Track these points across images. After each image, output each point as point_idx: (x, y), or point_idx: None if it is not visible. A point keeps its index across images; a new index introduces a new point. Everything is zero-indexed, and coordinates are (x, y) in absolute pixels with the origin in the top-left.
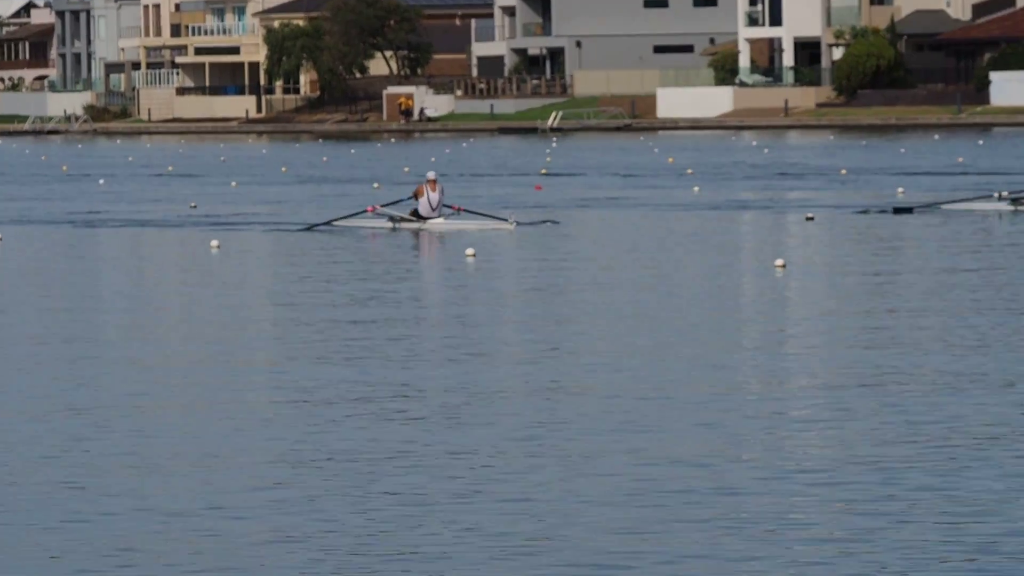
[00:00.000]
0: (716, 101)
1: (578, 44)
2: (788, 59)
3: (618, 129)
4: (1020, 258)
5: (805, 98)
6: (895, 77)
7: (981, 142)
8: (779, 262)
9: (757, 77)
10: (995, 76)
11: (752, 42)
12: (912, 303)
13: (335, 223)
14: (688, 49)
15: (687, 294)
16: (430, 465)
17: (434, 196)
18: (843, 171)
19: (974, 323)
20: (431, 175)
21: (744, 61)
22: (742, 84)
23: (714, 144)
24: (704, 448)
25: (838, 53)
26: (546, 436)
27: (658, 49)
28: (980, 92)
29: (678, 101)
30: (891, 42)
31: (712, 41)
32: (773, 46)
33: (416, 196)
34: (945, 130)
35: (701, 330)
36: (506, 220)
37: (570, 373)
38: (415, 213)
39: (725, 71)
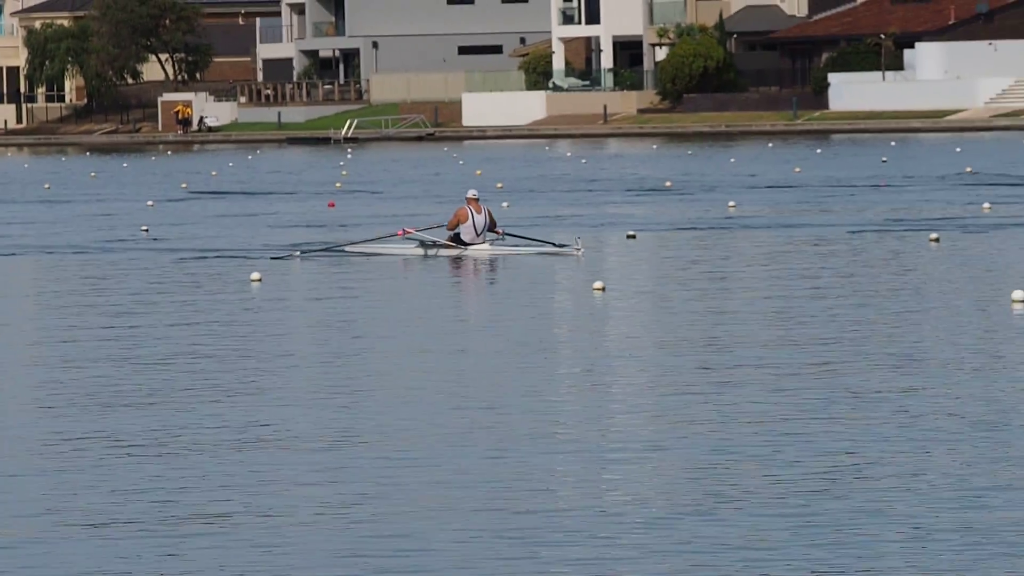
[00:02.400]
0: (528, 107)
1: (375, 45)
2: (607, 60)
3: (420, 139)
4: (841, 277)
5: (626, 103)
6: (725, 80)
7: (819, 151)
8: (597, 285)
9: (573, 81)
10: (834, 78)
11: (567, 42)
12: (739, 328)
13: (347, 248)
14: (496, 50)
15: (491, 323)
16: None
17: (480, 218)
18: (668, 183)
19: (802, 348)
20: (472, 193)
21: (558, 63)
22: (556, 88)
23: (526, 155)
24: (506, 491)
25: (662, 54)
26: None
27: (463, 50)
28: (818, 96)
29: (486, 108)
30: (720, 41)
31: (523, 41)
32: (590, 46)
33: (457, 225)
34: (780, 137)
35: (507, 362)
36: (570, 246)
37: (360, 416)
38: (457, 239)
39: (537, 74)
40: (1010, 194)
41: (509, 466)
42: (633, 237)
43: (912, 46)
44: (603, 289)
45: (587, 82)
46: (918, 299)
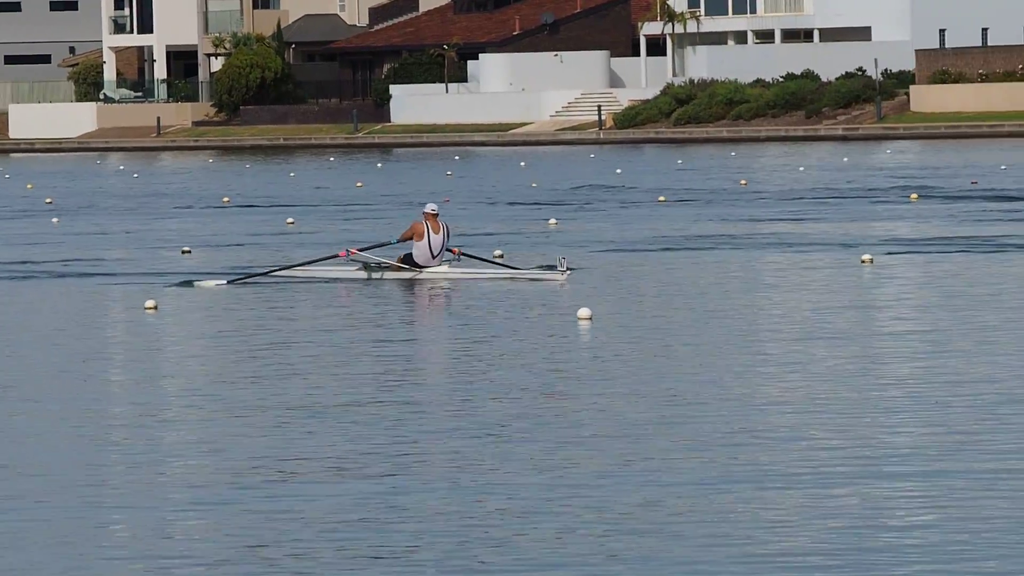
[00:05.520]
0: (78, 119)
1: None
2: (160, 71)
3: None
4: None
5: (180, 115)
6: (283, 91)
7: (380, 165)
8: (150, 304)
9: (124, 92)
10: (396, 90)
11: (118, 52)
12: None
13: (282, 272)
14: (45, 59)
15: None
16: None
17: (436, 238)
18: (226, 199)
19: (354, 368)
20: (431, 208)
21: (109, 73)
22: (107, 100)
23: (76, 169)
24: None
25: (218, 64)
26: None
27: (10, 60)
28: (380, 108)
29: (34, 119)
30: (278, 51)
31: (72, 51)
32: (143, 56)
33: (410, 237)
34: (341, 151)
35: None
36: (555, 267)
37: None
38: (408, 260)
39: (88, 85)
40: (576, 211)
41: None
42: (188, 252)
43: (476, 57)
44: (155, 308)
45: (140, 93)
46: (483, 321)
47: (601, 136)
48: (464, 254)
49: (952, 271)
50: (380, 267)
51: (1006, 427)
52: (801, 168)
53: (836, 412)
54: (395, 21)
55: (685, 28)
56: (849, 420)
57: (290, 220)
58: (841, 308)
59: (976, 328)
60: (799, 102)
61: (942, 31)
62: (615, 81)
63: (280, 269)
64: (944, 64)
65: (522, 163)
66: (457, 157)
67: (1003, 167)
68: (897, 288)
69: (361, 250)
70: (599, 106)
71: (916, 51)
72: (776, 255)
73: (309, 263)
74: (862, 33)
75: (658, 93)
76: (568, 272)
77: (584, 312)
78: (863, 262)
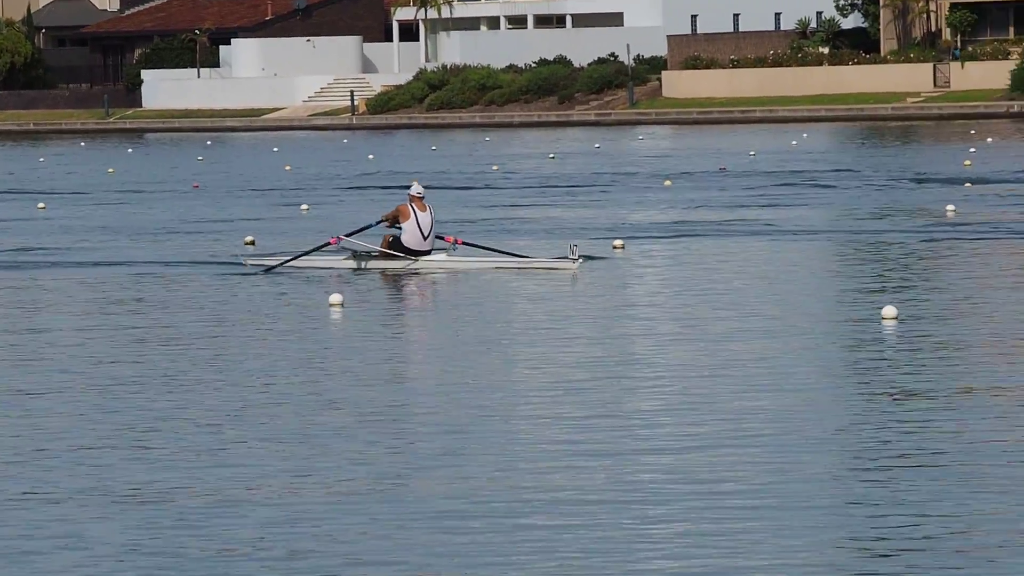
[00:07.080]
0: None
1: None
2: None
3: None
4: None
5: None
6: (33, 76)
7: (131, 150)
8: None
9: None
10: (147, 75)
11: None
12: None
13: (288, 264)
14: None
15: None
16: None
17: (425, 217)
18: None
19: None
20: (416, 190)
21: None
22: None
23: None
24: None
25: None
26: None
27: None
28: (132, 93)
29: None
30: (28, 36)
31: None
32: None
33: (395, 221)
34: (93, 136)
35: None
36: (568, 256)
37: None
38: (395, 244)
39: None
40: (326, 197)
41: None
42: None
43: (228, 42)
44: None
45: None
46: (240, 327)
47: (354, 121)
48: (467, 243)
49: (703, 256)
50: (370, 255)
51: (752, 422)
52: (551, 155)
53: (581, 406)
54: (147, 6)
55: (439, 13)
56: (596, 418)
57: (41, 205)
58: (593, 296)
59: (728, 313)
60: (552, 87)
61: (694, 17)
62: (368, 66)
63: (282, 263)
64: (696, 50)
65: (275, 148)
66: (209, 142)
67: (752, 153)
68: (648, 273)
69: (348, 235)
70: (352, 91)
71: (668, 37)
72: (527, 241)
73: (305, 254)
74: (614, 19)
75: (411, 79)
76: (580, 260)
77: (335, 298)
78: (615, 248)
